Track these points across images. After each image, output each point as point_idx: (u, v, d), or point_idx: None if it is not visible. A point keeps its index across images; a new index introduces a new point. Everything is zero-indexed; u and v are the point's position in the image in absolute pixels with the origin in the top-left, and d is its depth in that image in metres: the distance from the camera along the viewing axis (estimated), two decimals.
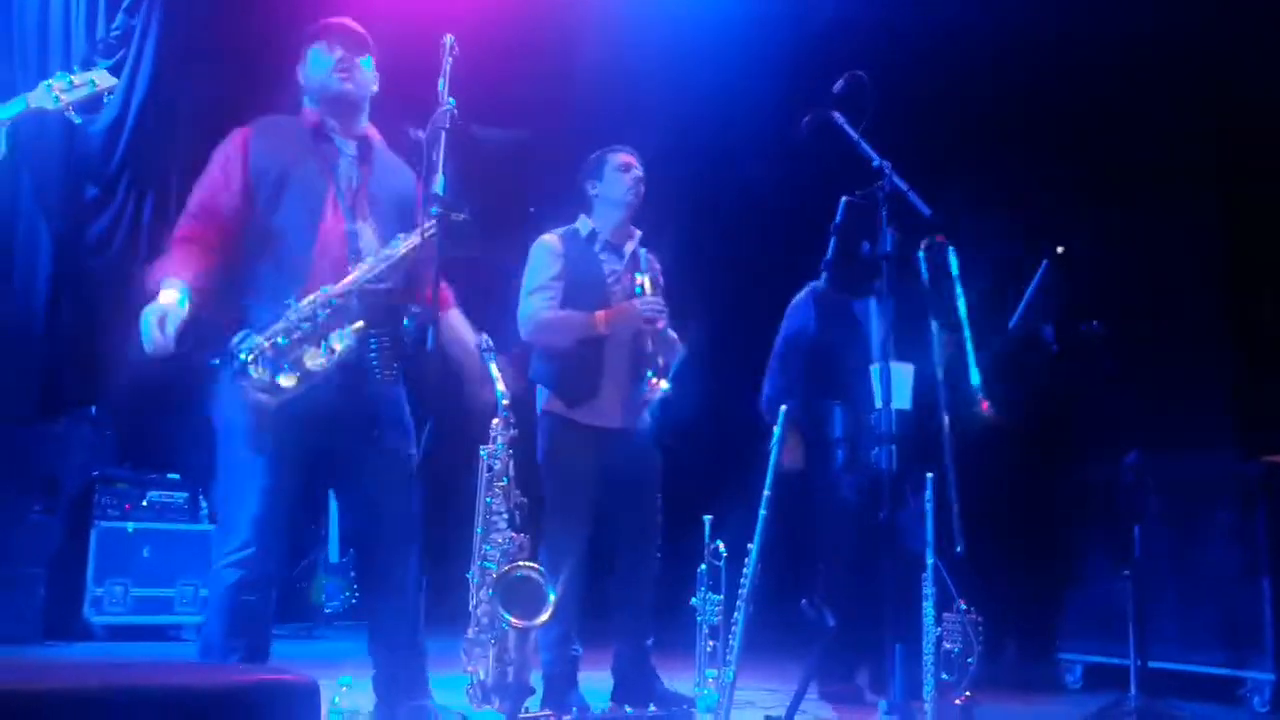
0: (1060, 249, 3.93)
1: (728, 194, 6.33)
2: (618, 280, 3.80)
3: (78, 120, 3.16)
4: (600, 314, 3.69)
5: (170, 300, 2.84)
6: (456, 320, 3.27)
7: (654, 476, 3.84)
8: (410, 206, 3.09)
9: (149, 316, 2.81)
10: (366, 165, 3.15)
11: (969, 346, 3.81)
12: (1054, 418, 4.87)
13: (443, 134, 2.91)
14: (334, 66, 3.13)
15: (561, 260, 3.78)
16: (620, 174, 3.85)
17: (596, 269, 3.79)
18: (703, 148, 6.17)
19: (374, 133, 3.23)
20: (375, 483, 3.02)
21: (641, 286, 3.69)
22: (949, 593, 3.41)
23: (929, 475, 3.43)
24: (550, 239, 3.84)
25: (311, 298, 2.91)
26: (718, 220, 6.48)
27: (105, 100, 3.19)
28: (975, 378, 3.71)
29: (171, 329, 2.81)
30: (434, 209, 2.91)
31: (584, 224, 3.88)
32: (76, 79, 3.05)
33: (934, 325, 3.82)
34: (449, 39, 2.98)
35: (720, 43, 6.05)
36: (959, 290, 3.76)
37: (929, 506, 3.42)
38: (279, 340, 2.86)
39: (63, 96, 3.03)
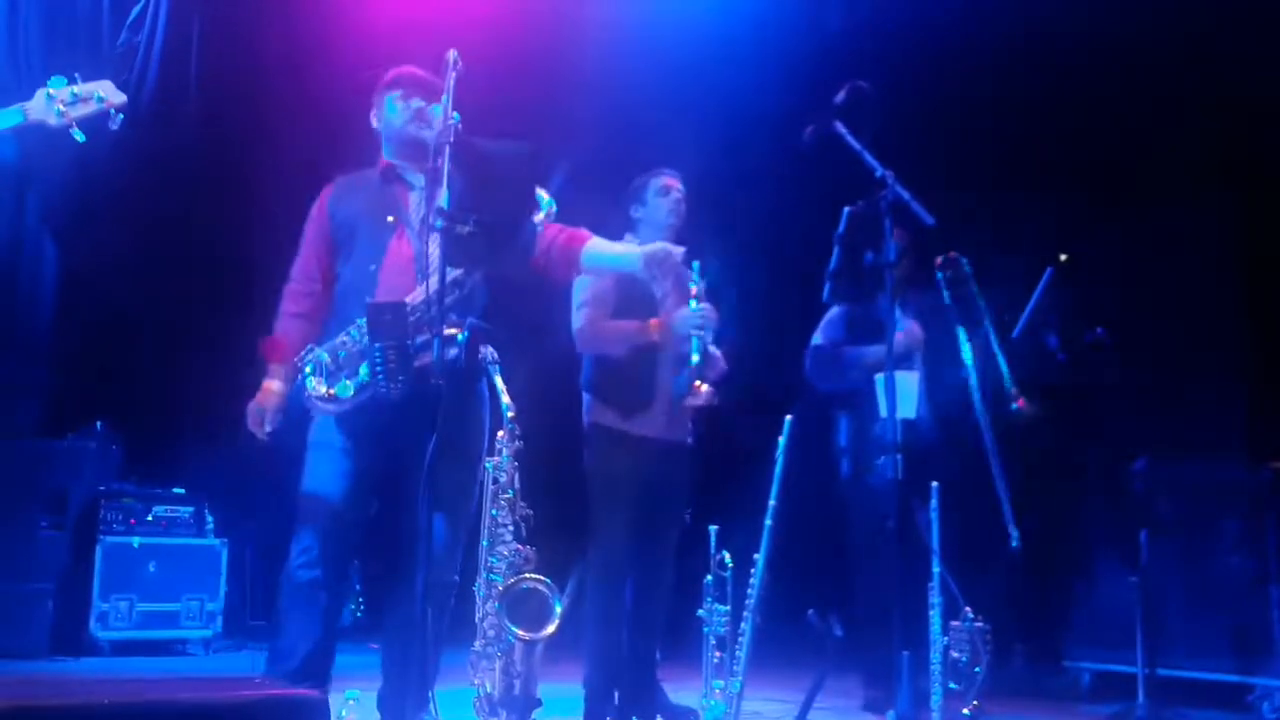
0: (1064, 256, 3.94)
1: (741, 205, 6.33)
2: (666, 297, 3.81)
3: (81, 138, 2.96)
4: (654, 321, 3.72)
5: (273, 392, 3.22)
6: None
7: (687, 491, 3.86)
8: None
9: (254, 415, 3.20)
10: (430, 190, 3.21)
11: (996, 348, 3.84)
12: (1061, 425, 4.87)
13: (447, 148, 2.94)
14: (412, 117, 3.28)
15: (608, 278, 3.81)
16: (662, 198, 3.89)
17: (645, 287, 3.81)
18: (716, 159, 6.18)
19: (440, 160, 3.28)
20: (414, 493, 3.06)
21: (696, 298, 3.70)
22: (956, 601, 3.40)
23: (934, 484, 3.43)
24: None
25: (367, 316, 3.05)
26: (734, 233, 6.49)
27: (113, 118, 2.93)
28: (1007, 378, 3.74)
29: (271, 426, 3.21)
30: (438, 222, 2.94)
31: (629, 243, 3.89)
32: (80, 89, 2.86)
33: (961, 333, 3.86)
34: (452, 54, 3.01)
35: (730, 53, 6.06)
36: (979, 298, 3.80)
37: (934, 515, 3.43)
38: (339, 354, 3.11)
39: (66, 112, 2.85)
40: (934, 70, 5.71)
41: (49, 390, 5.54)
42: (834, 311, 4.51)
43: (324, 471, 3.14)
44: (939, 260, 3.67)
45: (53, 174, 5.52)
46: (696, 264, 3.80)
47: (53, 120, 2.82)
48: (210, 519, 5.51)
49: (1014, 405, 3.55)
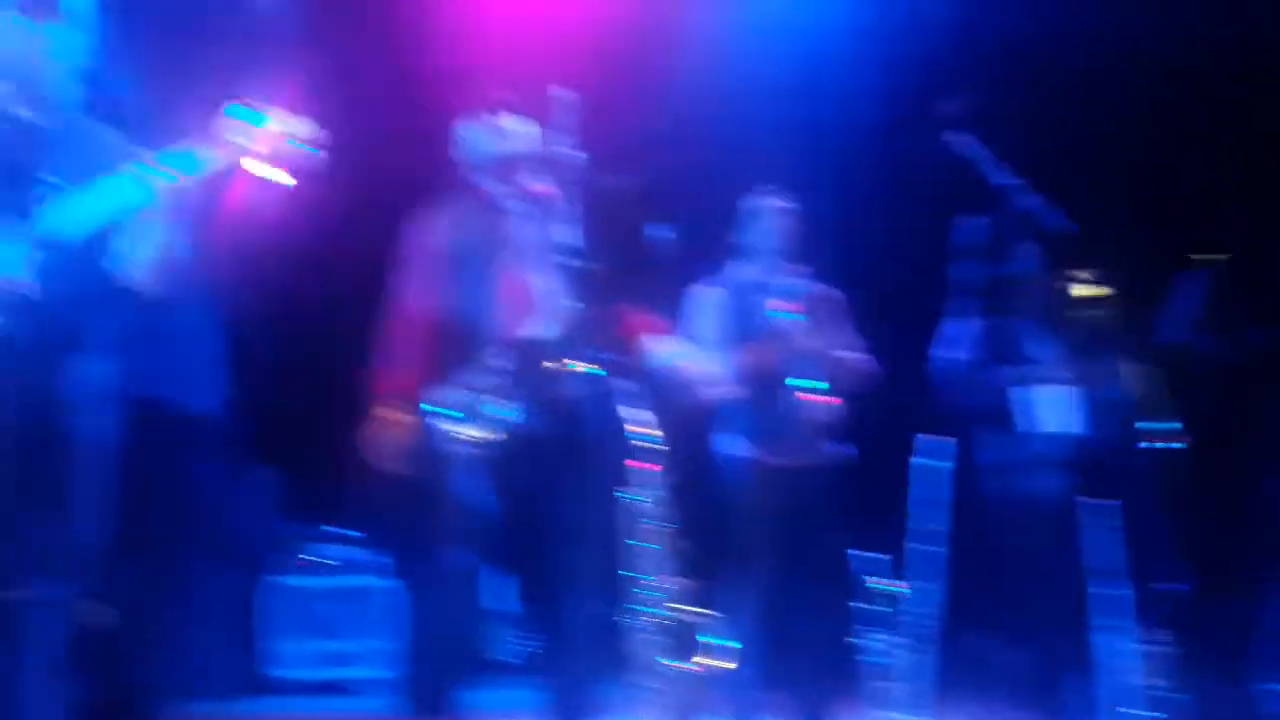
0: (1209, 257, 3.77)
1: (845, 218, 6.22)
2: (779, 317, 3.78)
3: (266, 170, 2.80)
4: (759, 348, 3.70)
5: (400, 424, 3.17)
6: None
7: (828, 516, 3.80)
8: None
9: (382, 449, 3.20)
10: (539, 218, 3.24)
11: (1150, 361, 3.69)
12: (1224, 432, 4.63)
13: (565, 182, 2.97)
14: (488, 144, 3.30)
15: (723, 308, 3.80)
16: (772, 220, 3.87)
17: (759, 313, 3.78)
18: (827, 172, 6.09)
19: (544, 187, 3.32)
20: (562, 527, 3.09)
21: (793, 314, 3.67)
22: (1130, 622, 3.27)
23: (1106, 502, 3.31)
24: (710, 290, 3.86)
25: (492, 351, 3.09)
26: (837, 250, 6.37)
27: (299, 148, 2.79)
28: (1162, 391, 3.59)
29: (403, 463, 3.20)
30: (560, 258, 2.98)
31: (740, 269, 3.89)
32: (254, 120, 2.76)
33: (1111, 353, 3.73)
34: (564, 94, 3.03)
35: (824, 66, 5.97)
36: (1120, 309, 3.66)
37: (1107, 532, 3.30)
38: (469, 392, 3.08)
39: (249, 145, 2.75)
40: (1058, 74, 5.54)
41: (221, 437, 5.76)
42: (963, 324, 4.37)
43: (475, 510, 3.15)
44: (1079, 275, 3.55)
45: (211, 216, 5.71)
46: (806, 284, 3.75)
47: (241, 158, 2.78)
48: (380, 559, 5.64)
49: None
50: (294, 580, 5.45)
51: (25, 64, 2.85)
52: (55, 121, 2.95)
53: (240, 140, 2.77)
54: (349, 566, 5.58)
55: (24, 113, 2.85)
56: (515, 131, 3.29)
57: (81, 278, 2.84)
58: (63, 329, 2.86)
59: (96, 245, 2.84)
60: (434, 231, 3.31)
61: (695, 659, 2.92)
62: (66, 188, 2.76)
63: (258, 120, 2.79)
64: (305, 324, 5.86)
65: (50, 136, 2.88)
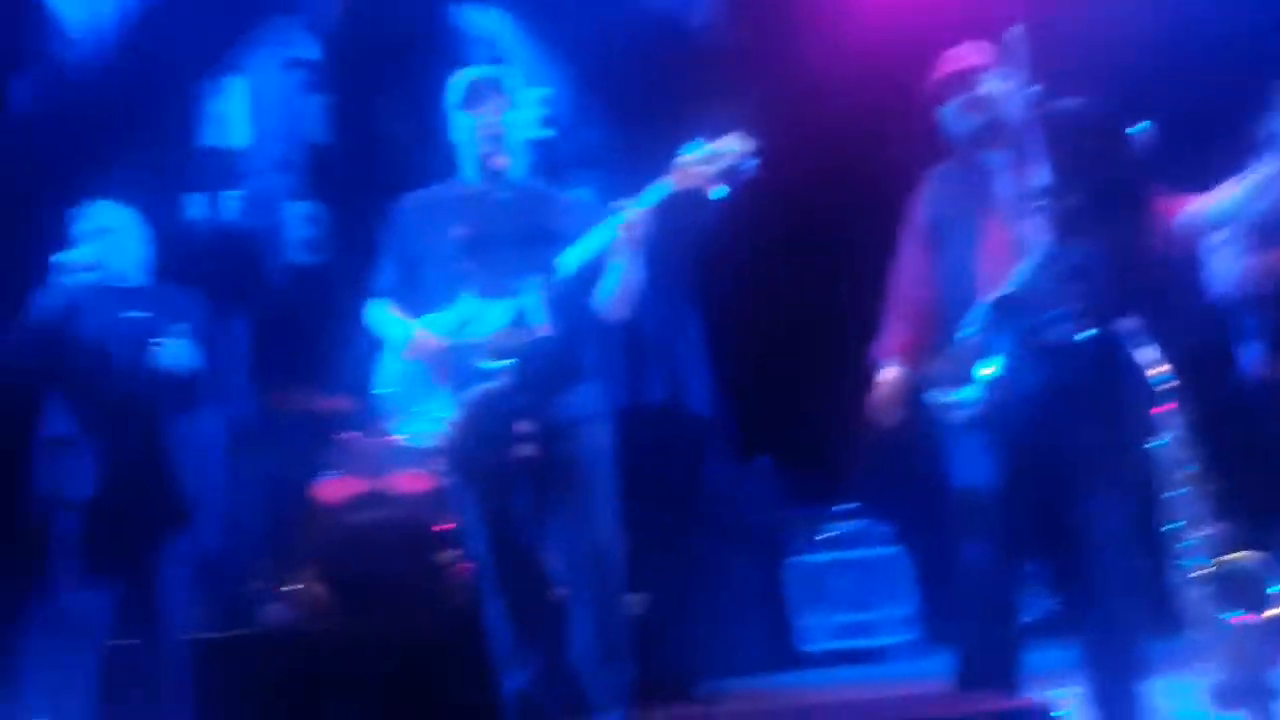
0: None
1: None
2: None
3: (720, 193, 3.02)
4: None
5: (889, 382, 3.22)
6: None
7: None
8: None
9: (878, 405, 3.22)
10: (1022, 167, 3.15)
11: None
12: None
13: (1032, 121, 2.82)
14: (957, 111, 3.22)
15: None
16: None
17: None
18: None
19: (1017, 135, 3.21)
20: (1073, 480, 2.97)
21: None
22: None
23: None
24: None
25: (975, 311, 3.02)
26: None
27: (745, 167, 2.99)
28: None
29: (894, 416, 3.21)
30: (1040, 200, 2.83)
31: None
32: (713, 147, 2.98)
33: None
34: (1015, 31, 2.89)
35: None
36: None
37: None
38: (961, 356, 3.04)
39: (702, 171, 2.96)
40: None
41: (722, 427, 6.07)
42: None
43: (975, 471, 3.10)
44: None
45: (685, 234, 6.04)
46: None
47: (693, 184, 2.99)
48: (885, 528, 5.70)
49: None
50: (811, 558, 5.62)
51: (512, 136, 3.24)
52: (542, 184, 3.33)
53: (697, 166, 2.97)
54: (859, 539, 5.67)
55: (521, 180, 3.24)
56: (989, 87, 3.18)
57: (577, 314, 3.14)
58: (566, 360, 3.17)
59: (585, 282, 3.13)
60: (920, 202, 3.31)
61: (1258, 607, 2.67)
62: (561, 242, 3.08)
63: (708, 145, 2.99)
64: (789, 314, 6.00)
65: (543, 197, 3.22)
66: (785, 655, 5.50)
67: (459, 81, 3.30)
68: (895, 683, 4.86)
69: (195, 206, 6.22)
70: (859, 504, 5.75)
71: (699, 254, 5.69)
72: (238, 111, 6.31)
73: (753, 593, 5.61)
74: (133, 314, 3.72)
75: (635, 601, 4.66)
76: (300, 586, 5.16)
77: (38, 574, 3.90)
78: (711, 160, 3.00)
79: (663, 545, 5.37)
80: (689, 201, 3.04)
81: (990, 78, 3.16)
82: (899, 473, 5.00)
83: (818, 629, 5.53)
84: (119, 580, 3.73)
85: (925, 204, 3.29)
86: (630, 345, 5.72)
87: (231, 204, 6.25)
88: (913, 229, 3.31)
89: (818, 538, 5.68)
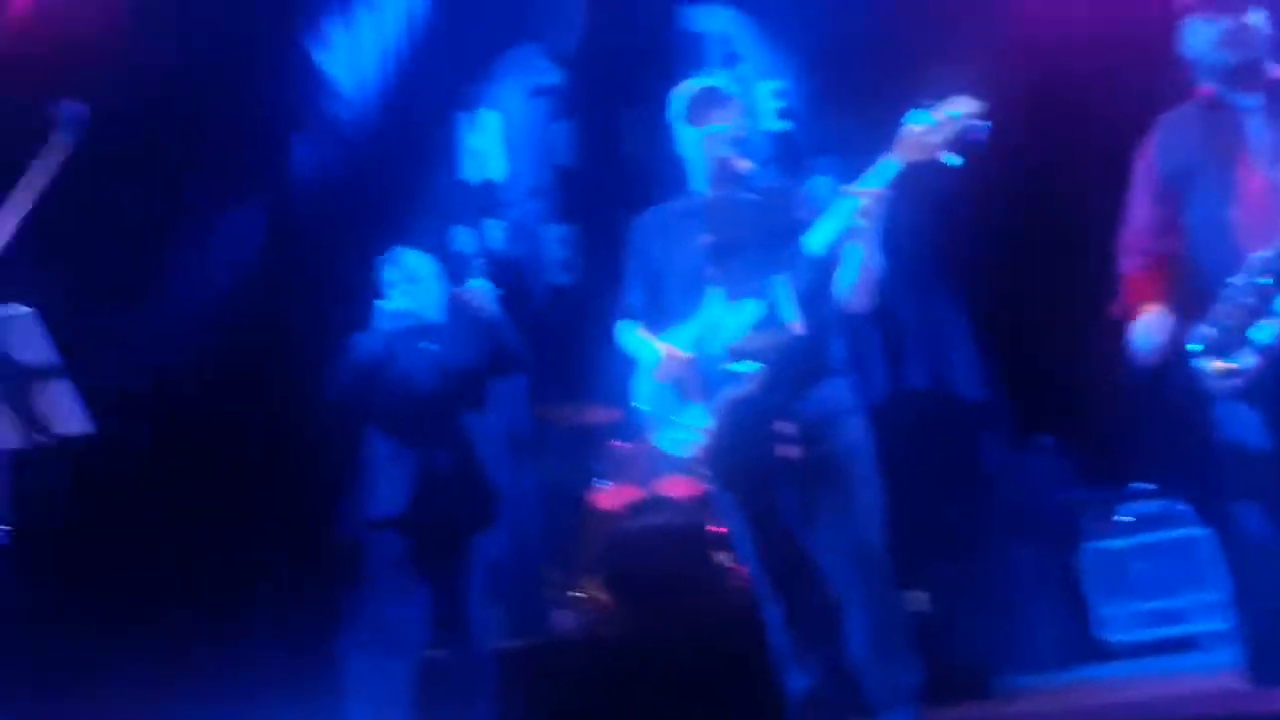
0: None
1: None
2: None
3: (954, 162, 2.87)
4: None
5: (1154, 314, 2.99)
6: None
7: None
8: None
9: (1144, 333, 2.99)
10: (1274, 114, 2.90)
11: None
12: None
13: None
14: (1219, 40, 2.96)
15: None
16: None
17: None
18: None
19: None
20: None
21: None
22: None
23: None
24: None
25: (1246, 269, 2.78)
26: None
27: (977, 129, 2.81)
28: None
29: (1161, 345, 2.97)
30: None
31: None
32: (936, 115, 2.84)
33: None
34: None
35: None
36: None
37: None
38: (1223, 321, 2.81)
39: (930, 141, 2.83)
40: None
41: (995, 419, 5.82)
42: None
43: (1254, 442, 2.86)
44: None
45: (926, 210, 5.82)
46: None
47: (922, 157, 2.86)
48: (1184, 508, 5.31)
49: None
50: (1110, 543, 5.29)
51: (748, 139, 3.22)
52: (783, 179, 3.28)
53: (924, 136, 2.83)
54: (1162, 521, 5.31)
55: (761, 180, 3.22)
56: (1223, 26, 2.93)
57: (824, 308, 3.08)
58: (816, 357, 3.12)
59: (829, 275, 3.06)
60: (1155, 151, 3.08)
61: None
62: (796, 239, 3.03)
63: (933, 113, 2.84)
64: (1058, 281, 5.67)
65: (785, 194, 3.18)
66: (1086, 647, 5.21)
67: (681, 94, 3.31)
68: (1208, 674, 4.49)
69: (463, 239, 6.53)
70: (1156, 483, 5.39)
71: (948, 229, 5.47)
72: (491, 143, 6.59)
73: (1047, 582, 5.33)
74: (433, 347, 4.10)
75: (916, 598, 4.54)
76: (585, 593, 5.32)
77: (353, 590, 4.24)
78: (938, 128, 2.84)
79: (946, 538, 5.21)
80: (922, 175, 2.90)
81: (1256, 11, 2.89)
82: (1174, 444, 4.68)
83: (1121, 618, 5.20)
84: (431, 591, 3.99)
85: (1162, 152, 3.04)
86: (888, 333, 5.57)
87: (495, 233, 6.52)
88: (1147, 180, 3.06)
89: (1115, 520, 5.35)
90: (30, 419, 2.69)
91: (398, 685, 3.93)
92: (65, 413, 2.72)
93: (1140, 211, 3.10)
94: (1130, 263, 3.12)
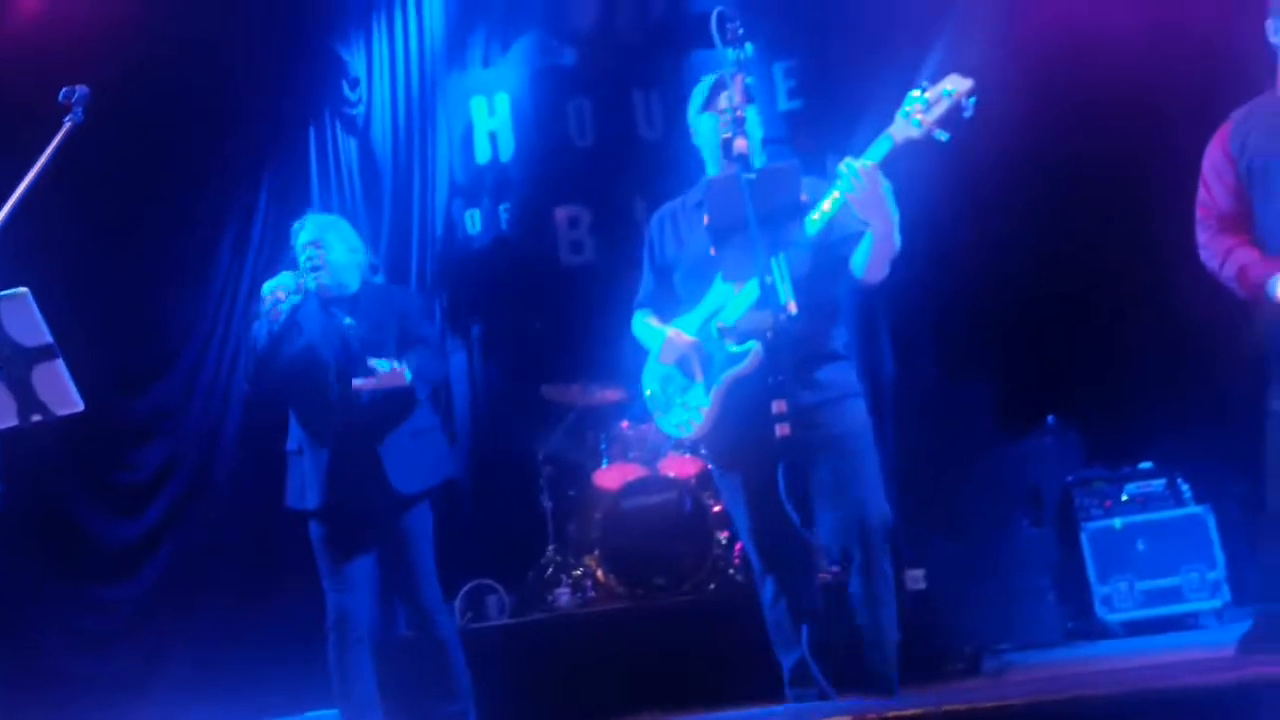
0: None
1: None
2: None
3: (944, 138, 2.94)
4: None
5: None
6: None
7: None
8: None
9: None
10: None
11: None
12: None
13: None
14: None
15: None
16: None
17: None
18: None
19: None
20: None
21: None
22: None
23: None
24: None
25: None
26: None
27: (966, 106, 2.89)
28: None
29: None
30: None
31: None
32: (930, 93, 2.91)
33: None
34: None
35: None
36: None
37: None
38: None
39: (924, 119, 2.90)
40: None
41: (998, 400, 5.85)
42: None
43: None
44: None
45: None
46: None
47: (916, 134, 2.95)
48: (1185, 487, 5.35)
49: None
50: (1109, 521, 5.33)
51: (750, 120, 3.20)
52: (786, 159, 3.29)
53: (917, 114, 2.90)
54: (1160, 500, 5.35)
55: (763, 160, 3.25)
56: None
57: (820, 288, 3.12)
58: (814, 337, 3.16)
59: (826, 256, 3.11)
60: (1229, 145, 3.09)
61: None
62: (805, 216, 3.06)
63: (926, 91, 2.90)
64: (1064, 266, 5.68)
65: (786, 173, 3.21)
66: (1085, 626, 5.27)
67: (700, 88, 3.39)
68: (1206, 651, 4.55)
69: (473, 220, 6.56)
70: (1153, 462, 5.43)
71: (951, 208, 5.47)
72: (503, 125, 6.61)
73: (1046, 560, 5.39)
74: (348, 320, 3.92)
75: (915, 576, 4.61)
76: (583, 570, 5.40)
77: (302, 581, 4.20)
78: (931, 106, 2.91)
79: (946, 516, 5.26)
80: (916, 152, 2.96)
81: None
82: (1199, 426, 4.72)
83: (1120, 596, 5.25)
84: (373, 578, 3.94)
85: (1237, 148, 3.05)
86: (894, 313, 5.60)
87: (504, 215, 6.54)
88: (1218, 174, 3.07)
89: (1114, 500, 5.40)
90: (26, 398, 2.69)
91: (359, 671, 3.91)
92: (60, 392, 2.72)
93: (1217, 207, 3.11)
94: (1227, 241, 3.08)
